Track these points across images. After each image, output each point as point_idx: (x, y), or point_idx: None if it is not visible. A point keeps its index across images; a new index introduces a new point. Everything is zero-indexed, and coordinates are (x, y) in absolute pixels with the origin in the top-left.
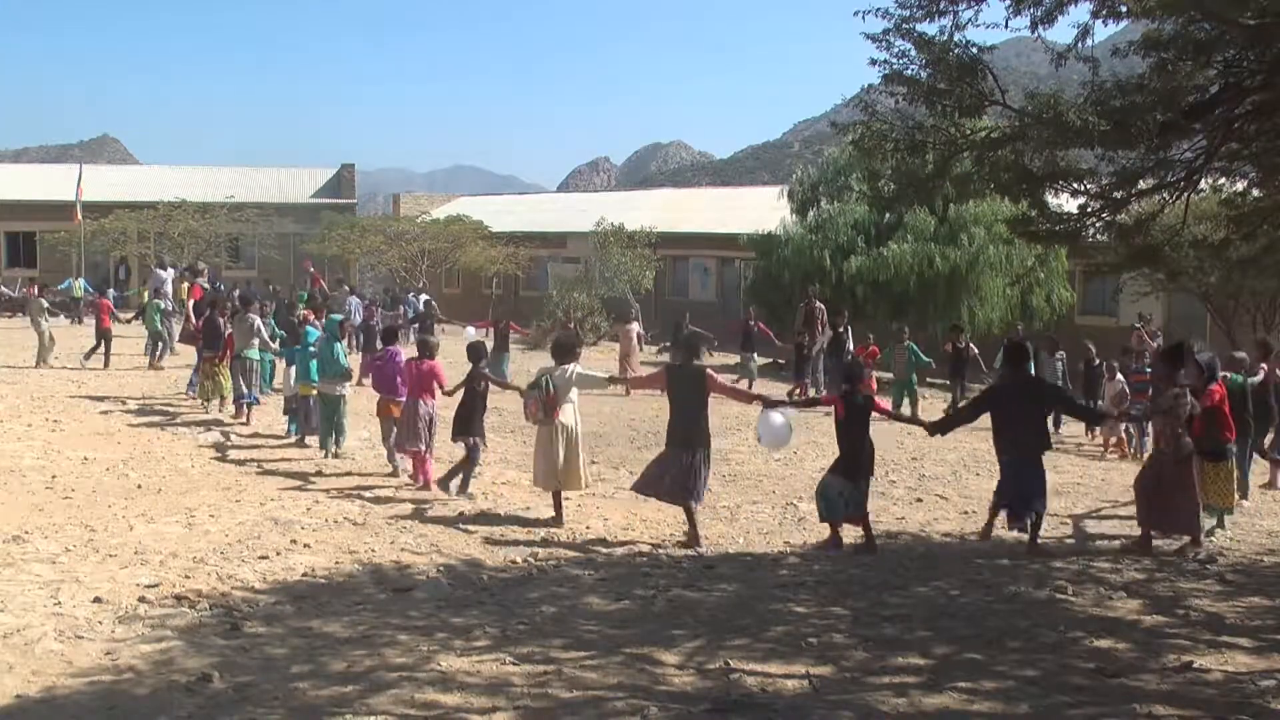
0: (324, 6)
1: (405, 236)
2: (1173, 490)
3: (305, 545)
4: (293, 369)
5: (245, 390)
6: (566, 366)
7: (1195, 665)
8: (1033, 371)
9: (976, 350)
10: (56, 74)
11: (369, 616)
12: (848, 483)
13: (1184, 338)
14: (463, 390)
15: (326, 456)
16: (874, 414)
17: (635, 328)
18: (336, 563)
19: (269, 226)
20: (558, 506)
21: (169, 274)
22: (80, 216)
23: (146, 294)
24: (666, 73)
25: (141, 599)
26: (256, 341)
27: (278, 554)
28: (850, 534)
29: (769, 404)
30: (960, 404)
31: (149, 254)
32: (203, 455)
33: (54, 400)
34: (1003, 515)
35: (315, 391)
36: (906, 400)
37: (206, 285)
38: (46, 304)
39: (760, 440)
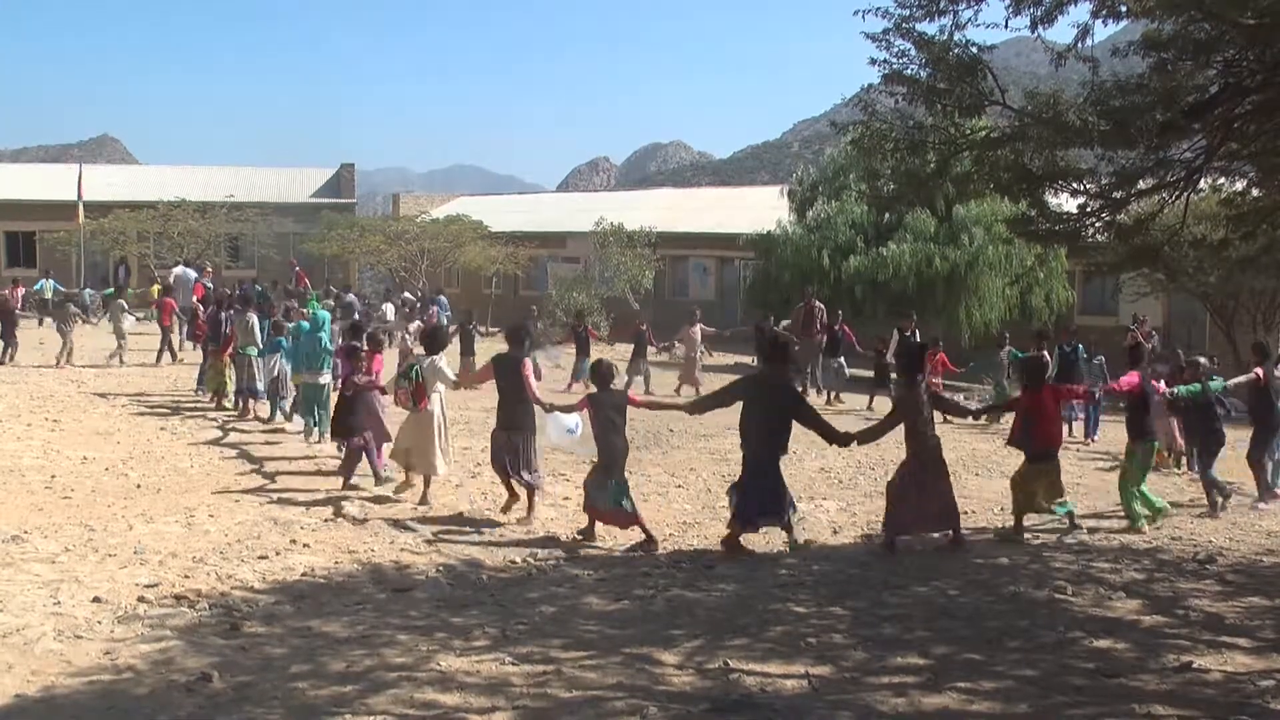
0: (324, 6)
1: (405, 236)
2: (932, 488)
3: (305, 545)
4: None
5: (245, 385)
6: (435, 358)
7: (1195, 665)
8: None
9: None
10: (56, 74)
11: (368, 616)
12: (603, 478)
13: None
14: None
15: (307, 441)
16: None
17: (699, 330)
18: (336, 562)
19: (268, 226)
20: (425, 485)
21: (191, 274)
22: (82, 218)
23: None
24: (666, 73)
25: (141, 599)
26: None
27: (277, 554)
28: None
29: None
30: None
31: (149, 254)
32: (202, 455)
33: (53, 400)
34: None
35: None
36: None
37: (209, 285)
38: (126, 305)
39: (549, 439)
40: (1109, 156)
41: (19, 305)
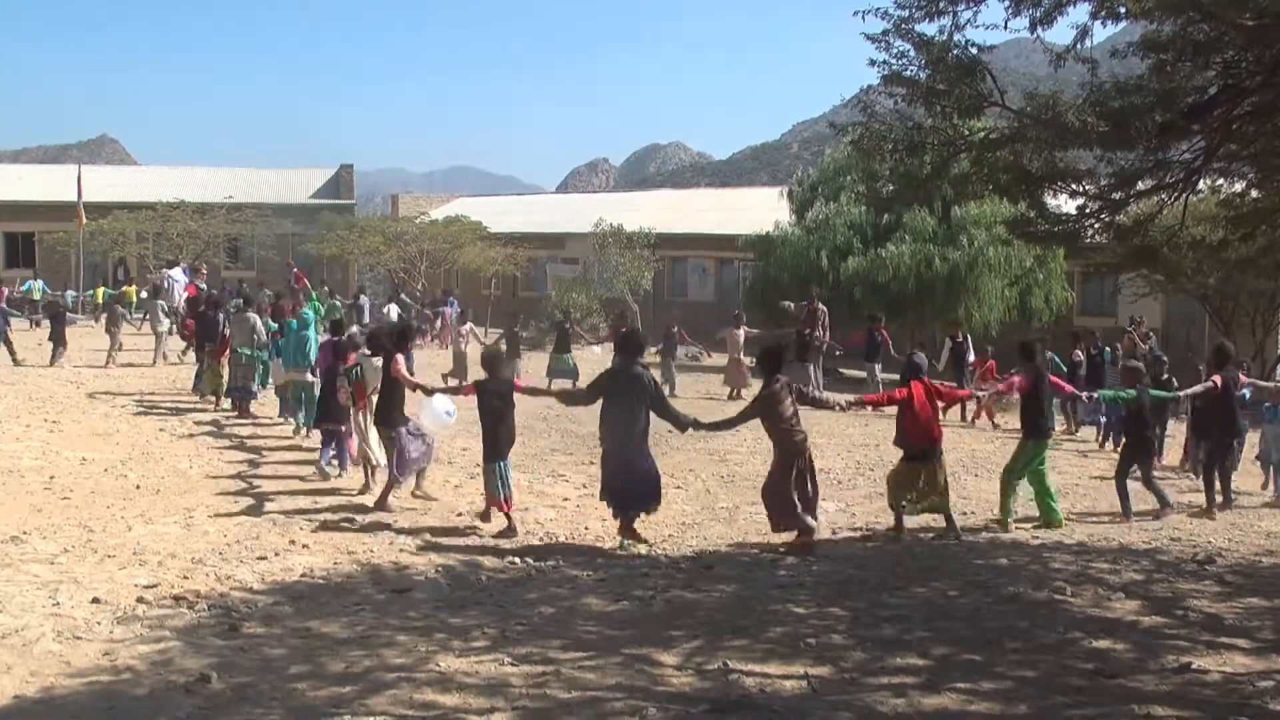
0: (324, 7)
1: (404, 237)
2: (802, 479)
3: (304, 546)
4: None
5: (241, 385)
6: (376, 358)
7: (1194, 666)
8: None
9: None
10: (56, 74)
11: (367, 617)
12: (489, 465)
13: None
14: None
15: (297, 435)
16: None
17: (742, 333)
18: (335, 563)
19: (268, 227)
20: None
21: (179, 274)
22: (84, 219)
23: (144, 293)
24: (666, 73)
25: (140, 599)
26: (254, 339)
27: (276, 554)
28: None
29: (430, 391)
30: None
31: (148, 254)
32: (201, 455)
33: (52, 400)
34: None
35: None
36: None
37: (203, 286)
38: (164, 305)
39: (424, 424)
40: (1108, 157)
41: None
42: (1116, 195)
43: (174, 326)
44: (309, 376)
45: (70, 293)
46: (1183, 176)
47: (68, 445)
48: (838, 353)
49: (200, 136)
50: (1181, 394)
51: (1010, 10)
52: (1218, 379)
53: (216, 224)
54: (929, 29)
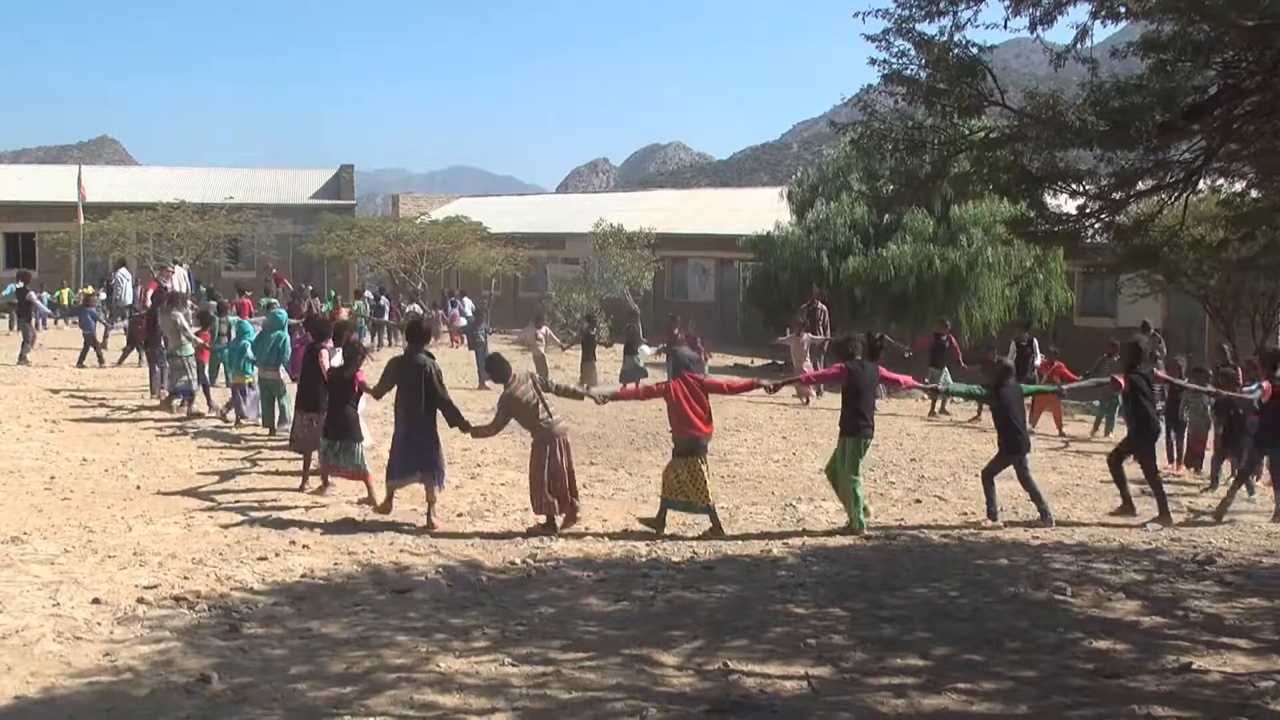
0: (323, 7)
1: (404, 237)
2: (557, 469)
3: (304, 546)
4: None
5: (179, 385)
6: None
7: (1194, 666)
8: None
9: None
10: (56, 74)
11: (368, 617)
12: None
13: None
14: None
15: (271, 434)
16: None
17: (806, 337)
18: (335, 564)
19: (268, 228)
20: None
21: (126, 274)
22: (83, 219)
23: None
24: (666, 74)
25: (140, 600)
26: (182, 337)
27: (276, 555)
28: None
29: None
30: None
31: (148, 255)
32: (201, 456)
33: (53, 401)
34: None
35: (248, 380)
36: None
37: (166, 285)
38: (94, 311)
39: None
40: (1108, 157)
41: None
42: (1116, 195)
43: (123, 326)
44: (281, 375)
45: (45, 295)
46: (1183, 176)
47: (68, 446)
48: (906, 354)
49: (200, 137)
50: (1065, 388)
51: (1010, 10)
52: (1121, 378)
53: (217, 224)
54: (929, 29)
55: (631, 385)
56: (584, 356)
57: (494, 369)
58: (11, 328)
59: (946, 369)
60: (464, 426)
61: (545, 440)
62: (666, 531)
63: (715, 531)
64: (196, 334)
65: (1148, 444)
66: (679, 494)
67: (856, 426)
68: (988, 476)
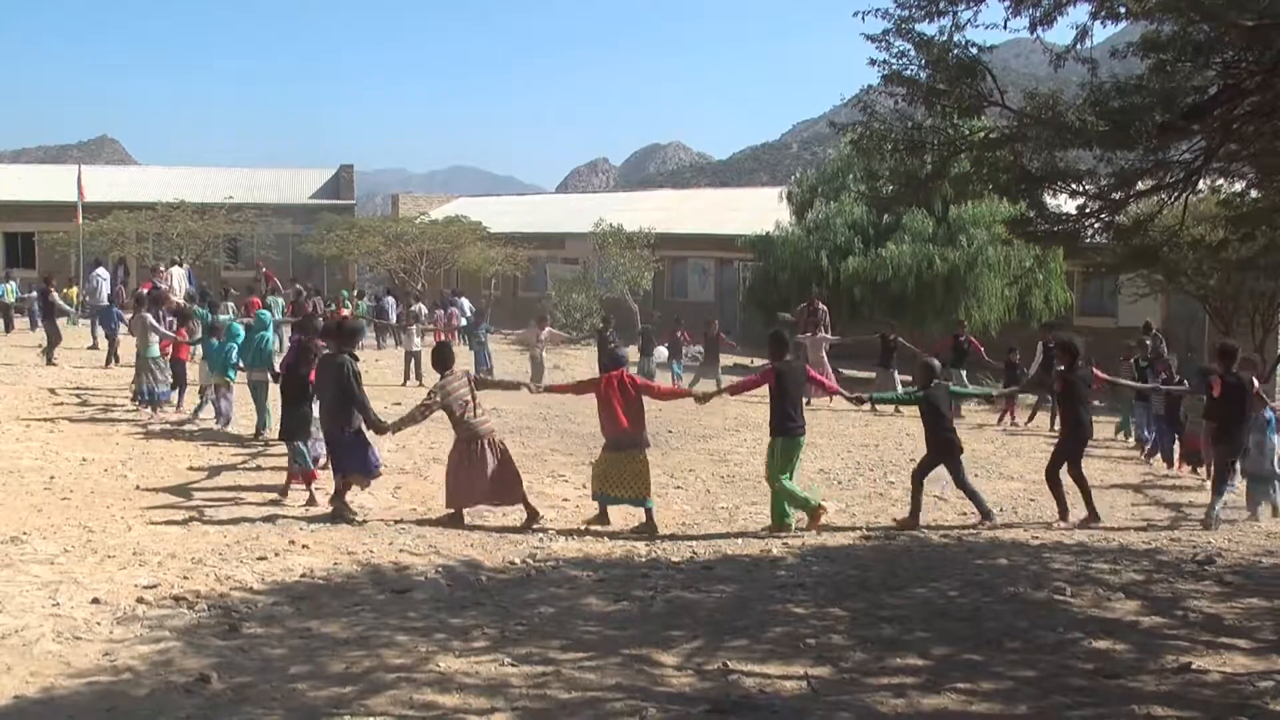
0: (324, 7)
1: (404, 237)
2: (480, 466)
3: (303, 546)
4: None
5: (147, 389)
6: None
7: (1194, 666)
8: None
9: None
10: (56, 74)
11: (367, 617)
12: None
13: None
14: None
15: (258, 437)
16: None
17: (825, 338)
18: (335, 563)
19: (268, 227)
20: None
21: (104, 273)
22: (81, 218)
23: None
24: (666, 74)
25: (140, 600)
26: (155, 339)
27: (276, 555)
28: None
29: None
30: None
31: (148, 254)
32: (201, 455)
33: (52, 401)
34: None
35: (230, 382)
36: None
37: (161, 284)
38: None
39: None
40: (1108, 157)
41: None
42: (1116, 195)
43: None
44: (266, 376)
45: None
46: (1183, 176)
47: (67, 445)
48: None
49: (200, 136)
50: (995, 392)
51: (1010, 10)
52: (1062, 378)
53: (216, 224)
54: (929, 29)
55: (566, 381)
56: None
57: (437, 358)
58: (33, 328)
59: (964, 371)
60: (379, 429)
61: (469, 440)
62: (665, 531)
63: (648, 527)
64: (175, 331)
65: (1077, 447)
66: (609, 488)
67: (786, 426)
68: (917, 478)
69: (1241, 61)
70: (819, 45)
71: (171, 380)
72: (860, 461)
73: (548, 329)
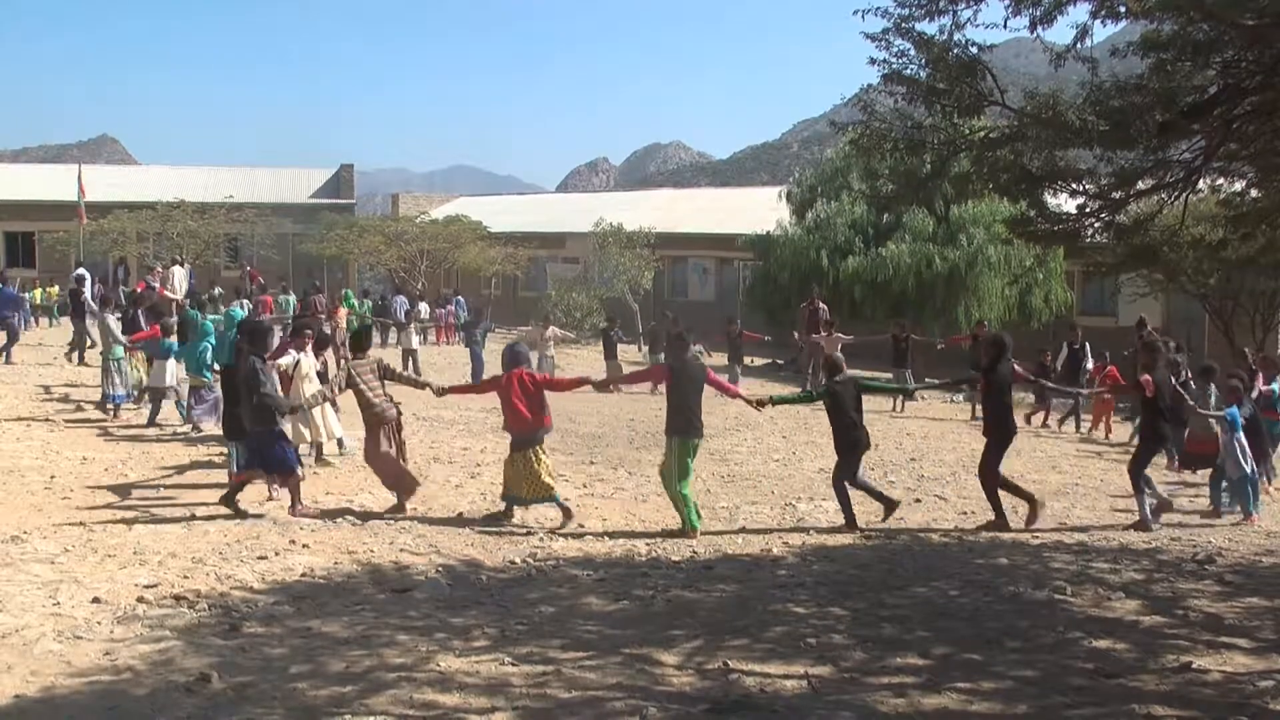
0: (324, 7)
1: (404, 237)
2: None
3: (304, 545)
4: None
5: (111, 390)
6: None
7: (1194, 666)
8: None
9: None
10: (56, 74)
11: (368, 617)
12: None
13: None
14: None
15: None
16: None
17: (840, 337)
18: (335, 563)
19: (268, 227)
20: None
21: (85, 273)
22: (84, 217)
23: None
24: (666, 73)
25: (140, 599)
26: (119, 340)
27: (276, 554)
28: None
29: None
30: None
31: (148, 254)
32: (201, 455)
33: (52, 400)
34: None
35: (205, 382)
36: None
37: (155, 284)
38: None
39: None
40: (1108, 157)
41: None
42: (1116, 195)
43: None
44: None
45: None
46: (1183, 176)
47: (68, 445)
48: (940, 346)
49: (200, 136)
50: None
51: (1010, 10)
52: (982, 377)
53: (217, 224)
54: (929, 28)
55: (470, 381)
56: (606, 355)
57: (355, 340)
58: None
59: (909, 370)
60: (281, 410)
61: (379, 423)
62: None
63: (565, 518)
64: (149, 328)
65: (998, 448)
66: (517, 488)
67: (679, 426)
68: (839, 482)
69: (1241, 61)
70: (819, 45)
71: (135, 385)
72: (860, 461)
73: (553, 329)
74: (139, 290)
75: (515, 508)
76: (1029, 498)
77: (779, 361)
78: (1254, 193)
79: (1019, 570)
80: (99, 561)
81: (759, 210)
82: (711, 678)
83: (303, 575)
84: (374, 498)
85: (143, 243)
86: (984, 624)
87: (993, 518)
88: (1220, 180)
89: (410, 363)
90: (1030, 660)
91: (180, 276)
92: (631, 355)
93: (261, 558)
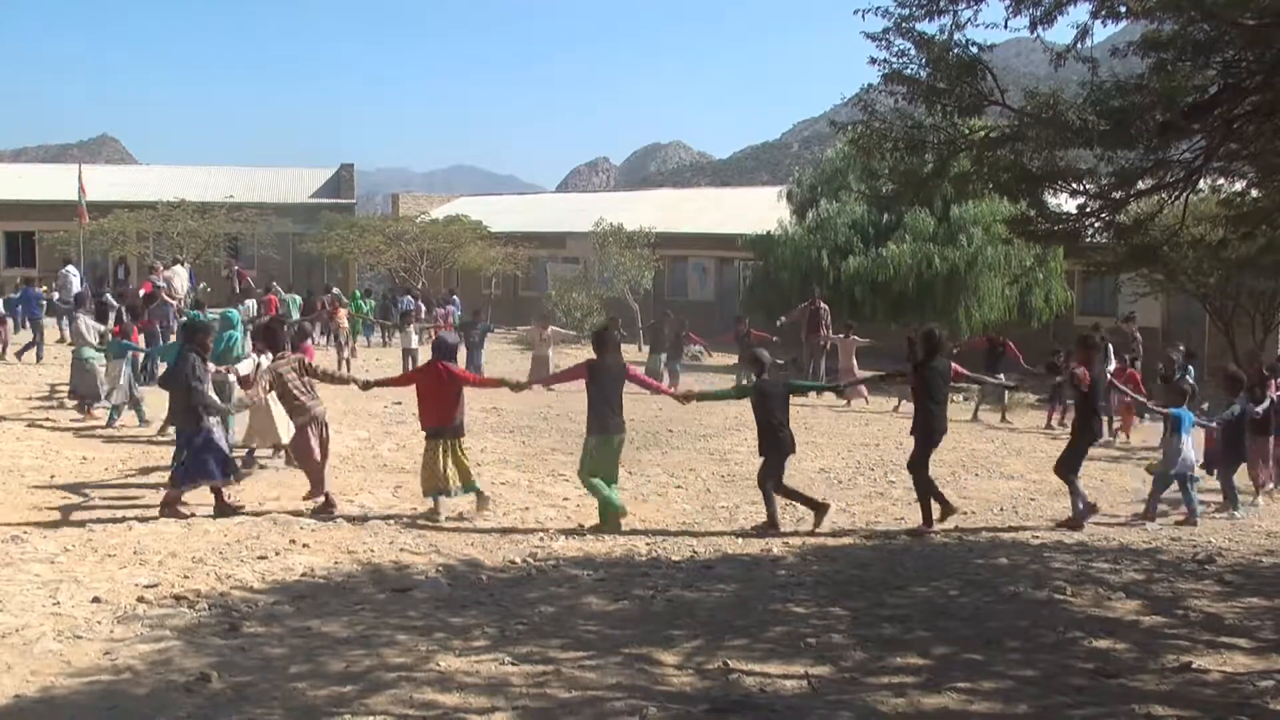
0: (324, 7)
1: (404, 236)
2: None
3: (304, 545)
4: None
5: (79, 389)
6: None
7: (1194, 666)
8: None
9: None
10: (56, 74)
11: (368, 616)
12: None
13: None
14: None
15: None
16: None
17: (856, 340)
18: (335, 563)
19: (268, 226)
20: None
21: (74, 270)
22: (87, 217)
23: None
24: (666, 73)
25: (140, 599)
26: (95, 340)
27: (276, 554)
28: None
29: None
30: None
31: (148, 254)
32: None
33: (53, 400)
34: None
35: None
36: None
37: (161, 283)
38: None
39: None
40: (1108, 157)
41: None
42: (1117, 194)
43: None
44: (231, 377)
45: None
46: (1183, 176)
47: (68, 444)
48: (954, 350)
49: (201, 136)
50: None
51: (1010, 9)
52: (914, 375)
53: (217, 223)
54: (929, 28)
55: (396, 374)
56: (653, 349)
57: (268, 337)
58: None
59: (1003, 374)
60: (211, 411)
61: (308, 421)
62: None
63: (481, 503)
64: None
65: (924, 446)
66: (440, 481)
67: (597, 424)
68: (763, 483)
69: (1242, 61)
70: (819, 45)
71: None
72: (860, 461)
73: (551, 328)
74: (146, 292)
75: (442, 500)
76: (816, 506)
77: (779, 361)
78: (1254, 193)
79: (1019, 570)
80: (99, 561)
81: (759, 210)
82: (711, 678)
83: (303, 575)
84: (374, 498)
85: (143, 242)
86: (984, 624)
87: (923, 520)
88: (1220, 180)
89: (410, 362)
90: (1030, 660)
91: (181, 276)
92: (632, 355)
93: (261, 557)
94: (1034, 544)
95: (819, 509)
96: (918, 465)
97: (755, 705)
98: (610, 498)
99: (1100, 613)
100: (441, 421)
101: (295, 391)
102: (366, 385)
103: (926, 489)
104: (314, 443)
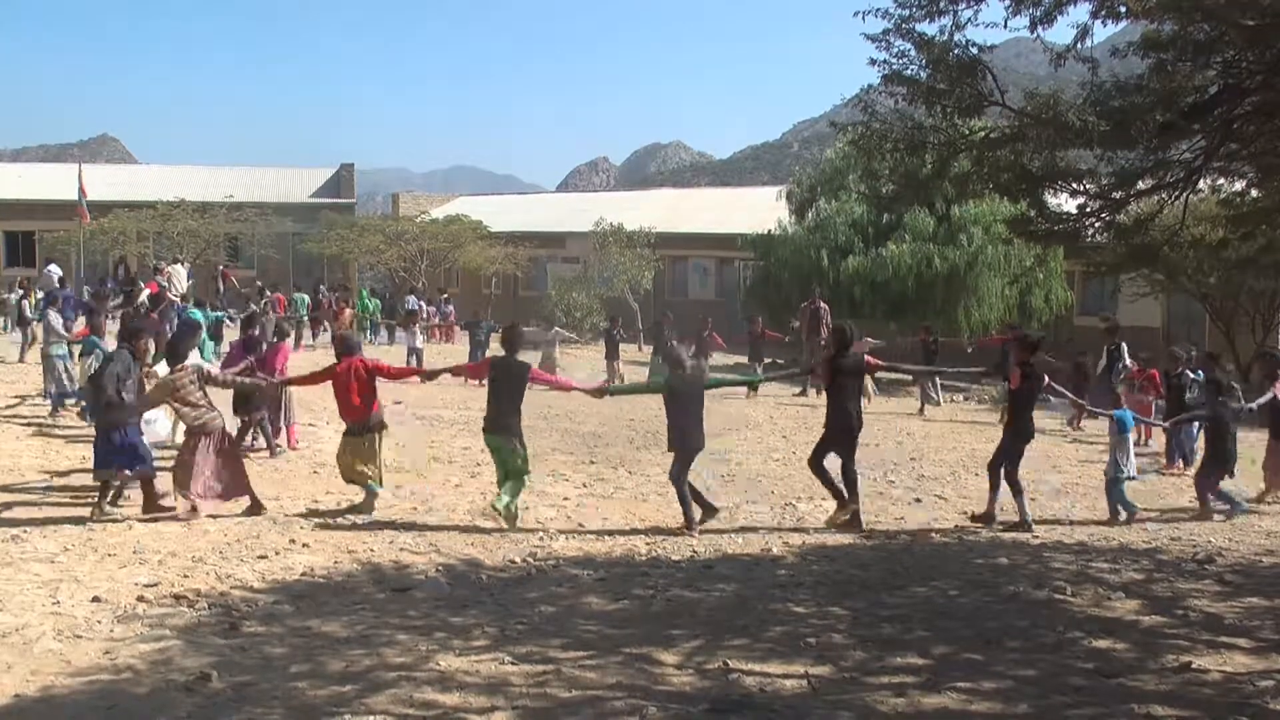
0: (324, 7)
1: (404, 236)
2: (207, 462)
3: (304, 545)
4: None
5: (52, 389)
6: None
7: (1194, 665)
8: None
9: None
10: (56, 74)
11: (368, 616)
12: None
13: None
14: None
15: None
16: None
17: (868, 340)
18: (335, 562)
19: (268, 226)
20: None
21: (55, 269)
22: (88, 216)
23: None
24: (666, 73)
25: (140, 598)
26: (60, 337)
27: (276, 553)
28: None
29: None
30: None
31: (148, 253)
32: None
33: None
34: None
35: None
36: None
37: (165, 283)
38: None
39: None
40: (1108, 157)
41: None
42: (1117, 195)
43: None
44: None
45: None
46: (1183, 176)
47: (68, 445)
48: (969, 349)
49: (201, 136)
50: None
51: (1010, 10)
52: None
53: (217, 223)
54: (929, 28)
55: (310, 372)
56: (607, 354)
57: (170, 349)
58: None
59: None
60: (112, 409)
61: (201, 432)
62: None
63: (366, 504)
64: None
65: (840, 438)
66: (358, 475)
67: (485, 425)
68: (677, 479)
69: (1242, 61)
70: (819, 45)
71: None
72: (859, 461)
73: (555, 329)
74: (153, 292)
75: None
76: (839, 496)
77: (779, 361)
78: (1254, 193)
79: (1019, 570)
80: (99, 561)
81: (759, 210)
82: (711, 677)
83: (303, 574)
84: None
85: (143, 242)
86: (984, 624)
87: (847, 516)
88: (1220, 180)
89: (415, 361)
90: (1030, 660)
91: (180, 275)
92: (632, 354)
93: (261, 557)
94: (1034, 544)
95: (708, 511)
96: (815, 459)
97: (755, 705)
98: (509, 503)
99: (1100, 613)
100: (357, 416)
101: (188, 404)
102: (278, 386)
103: (824, 477)
104: (197, 455)
